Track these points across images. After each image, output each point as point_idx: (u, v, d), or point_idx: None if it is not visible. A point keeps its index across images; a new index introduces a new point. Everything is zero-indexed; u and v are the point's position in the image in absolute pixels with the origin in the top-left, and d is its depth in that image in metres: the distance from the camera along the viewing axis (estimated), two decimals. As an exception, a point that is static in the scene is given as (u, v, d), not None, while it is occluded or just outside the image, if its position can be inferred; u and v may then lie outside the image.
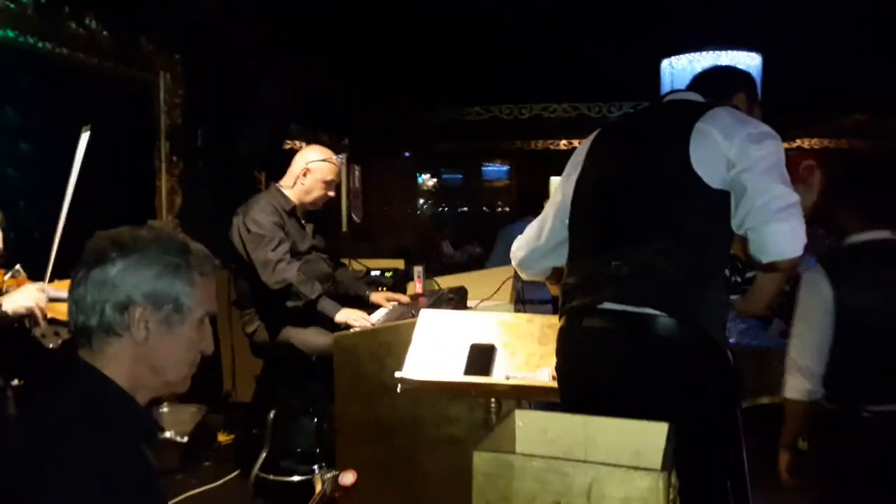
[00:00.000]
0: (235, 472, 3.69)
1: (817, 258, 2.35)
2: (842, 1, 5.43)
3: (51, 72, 3.48)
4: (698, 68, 5.50)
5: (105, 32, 3.73)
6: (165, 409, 4.11)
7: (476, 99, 8.86)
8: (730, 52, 5.53)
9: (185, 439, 3.83)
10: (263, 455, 3.21)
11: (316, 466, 1.95)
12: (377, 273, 4.01)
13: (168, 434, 3.89)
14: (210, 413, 4.22)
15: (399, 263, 4.25)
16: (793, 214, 1.67)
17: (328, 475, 1.69)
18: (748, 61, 5.49)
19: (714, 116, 1.77)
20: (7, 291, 2.49)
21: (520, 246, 2.16)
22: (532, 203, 6.06)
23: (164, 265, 1.17)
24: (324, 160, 3.29)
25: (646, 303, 1.69)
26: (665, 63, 5.74)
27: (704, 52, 5.49)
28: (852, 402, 2.19)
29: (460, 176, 14.25)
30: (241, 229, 3.12)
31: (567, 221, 1.97)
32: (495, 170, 14.04)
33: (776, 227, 1.66)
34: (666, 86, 5.78)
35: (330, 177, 3.30)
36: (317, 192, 3.28)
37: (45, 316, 2.14)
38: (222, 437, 4.21)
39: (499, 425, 1.03)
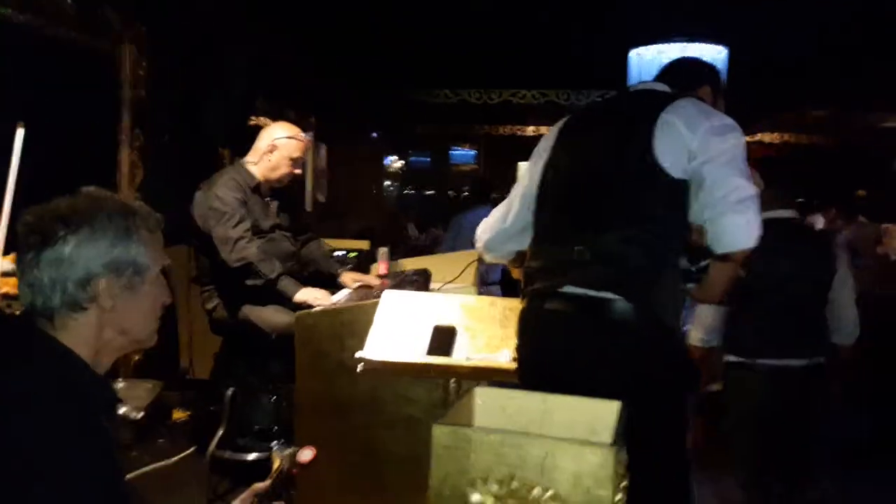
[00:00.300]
0: (191, 450, 3.66)
1: None
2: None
3: (12, 39, 3.38)
4: (664, 59, 5.56)
5: (69, 0, 3.63)
6: (121, 384, 4.05)
7: (445, 82, 8.84)
8: (697, 44, 5.62)
9: (141, 415, 3.78)
10: (220, 432, 3.19)
11: (274, 443, 1.93)
12: (341, 253, 4.00)
13: (123, 410, 3.84)
14: (166, 390, 4.17)
15: (364, 244, 4.25)
16: (749, 207, 1.71)
17: (286, 452, 1.70)
18: (714, 54, 5.58)
19: (679, 107, 1.81)
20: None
21: (484, 229, 2.19)
22: (487, 191, 6.12)
23: (115, 231, 1.17)
24: (290, 137, 3.26)
25: (605, 287, 1.73)
26: (633, 53, 5.81)
27: (671, 44, 5.57)
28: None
29: (428, 159, 14.26)
30: (203, 204, 3.09)
31: (533, 206, 1.99)
32: (463, 154, 14.07)
33: (732, 218, 1.71)
34: (633, 75, 5.85)
35: (296, 154, 3.28)
36: (283, 170, 3.26)
37: None
38: (178, 414, 4.17)
39: (459, 402, 1.05)
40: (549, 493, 0.83)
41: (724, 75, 5.58)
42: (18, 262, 1.19)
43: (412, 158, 14.04)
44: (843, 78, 7.35)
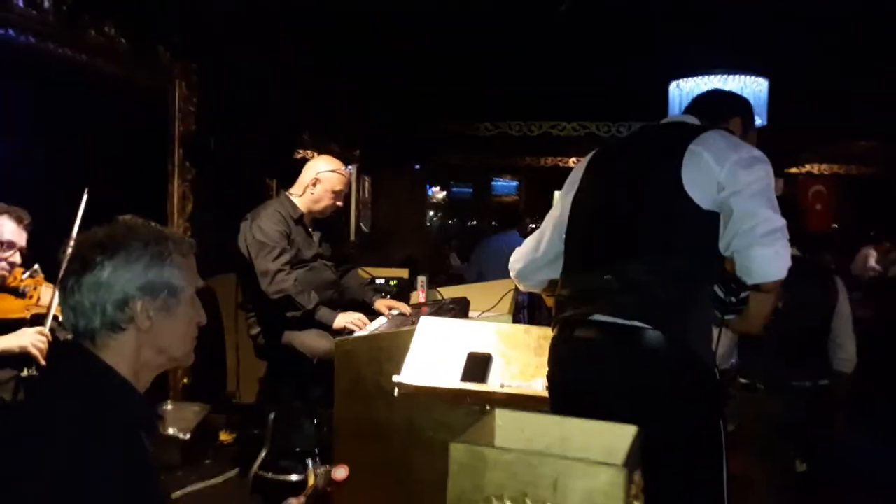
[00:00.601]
0: (235, 471, 3.77)
1: None
2: (843, 28, 5.50)
3: (70, 77, 3.58)
4: (704, 90, 5.62)
5: (123, 40, 3.84)
6: (169, 407, 4.20)
7: (486, 114, 8.95)
8: (737, 76, 5.62)
9: (188, 436, 3.90)
10: (263, 454, 3.28)
11: (310, 461, 1.99)
12: (381, 282, 4.08)
13: (171, 431, 3.97)
14: (213, 412, 4.29)
15: (404, 273, 4.33)
16: (777, 239, 1.73)
17: (321, 469, 1.77)
18: (754, 87, 5.58)
19: (707, 139, 1.85)
20: (25, 291, 2.59)
21: (518, 258, 2.24)
22: (516, 219, 6.27)
23: (149, 256, 1.26)
24: (333, 171, 3.37)
25: (634, 316, 1.77)
26: (673, 85, 5.82)
27: (711, 76, 5.57)
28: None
29: (470, 190, 14.38)
30: (247, 235, 3.21)
31: (564, 236, 2.04)
32: (504, 185, 14.15)
33: (760, 251, 1.73)
34: (674, 106, 5.86)
35: (339, 187, 3.38)
36: (325, 202, 3.36)
37: (45, 356, 2.24)
38: (224, 437, 4.28)
39: (479, 422, 1.10)
40: (561, 509, 0.88)
41: (764, 107, 5.61)
42: (61, 287, 1.28)
43: (455, 189, 14.19)
44: (886, 109, 7.23)
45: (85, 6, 3.56)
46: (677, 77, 5.73)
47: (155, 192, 4.35)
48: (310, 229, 3.41)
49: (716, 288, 1.86)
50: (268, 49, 5.28)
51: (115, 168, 3.80)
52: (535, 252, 2.17)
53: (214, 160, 4.77)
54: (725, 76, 5.57)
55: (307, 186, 3.35)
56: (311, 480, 1.75)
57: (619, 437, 1.00)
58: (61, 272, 1.34)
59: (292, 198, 3.38)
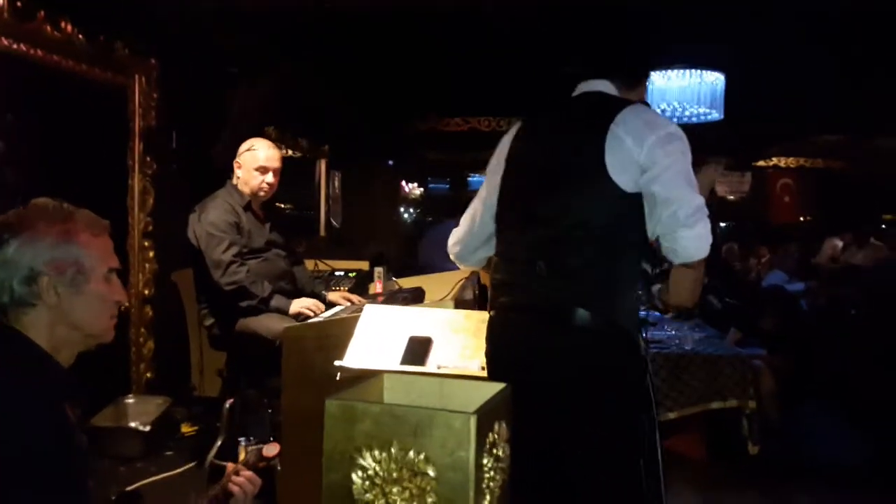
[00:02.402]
0: (195, 462, 3.81)
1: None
2: (808, 23, 5.62)
3: (26, 73, 3.61)
4: (665, 85, 5.72)
5: (81, 36, 3.87)
6: (131, 400, 4.24)
7: (457, 109, 9.01)
8: (696, 70, 5.74)
9: (148, 429, 3.95)
10: (219, 443, 3.33)
11: (243, 439, 2.05)
12: (341, 273, 4.14)
13: (133, 423, 4.01)
14: (175, 405, 4.34)
15: (364, 265, 4.38)
16: (698, 220, 1.82)
17: (252, 446, 1.83)
18: (712, 81, 5.70)
19: (626, 120, 1.87)
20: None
21: (454, 241, 2.29)
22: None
23: (55, 234, 1.31)
24: (248, 149, 3.38)
25: (564, 299, 1.85)
26: (633, 79, 5.91)
27: (670, 70, 5.68)
28: None
29: (447, 186, 14.43)
30: (196, 227, 3.24)
31: (494, 216, 2.09)
32: (480, 180, 14.16)
33: (683, 233, 1.81)
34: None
35: (258, 163, 3.33)
36: (253, 182, 3.34)
37: None
38: (185, 429, 4.33)
39: (366, 383, 1.18)
40: (422, 455, 0.95)
41: (720, 101, 5.73)
42: None
43: (431, 185, 14.22)
44: (850, 102, 7.37)
45: (40, 2, 3.60)
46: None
47: (115, 187, 4.38)
48: (260, 215, 3.43)
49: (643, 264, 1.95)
50: (232, 43, 5.31)
51: (74, 163, 3.83)
52: (469, 234, 2.22)
53: (176, 155, 4.80)
54: (683, 71, 5.68)
55: (235, 172, 3.39)
56: (241, 455, 1.80)
57: (488, 392, 1.08)
58: None
59: (238, 185, 3.40)
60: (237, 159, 3.39)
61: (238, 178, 3.38)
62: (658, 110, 6.00)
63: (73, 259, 1.32)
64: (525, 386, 1.55)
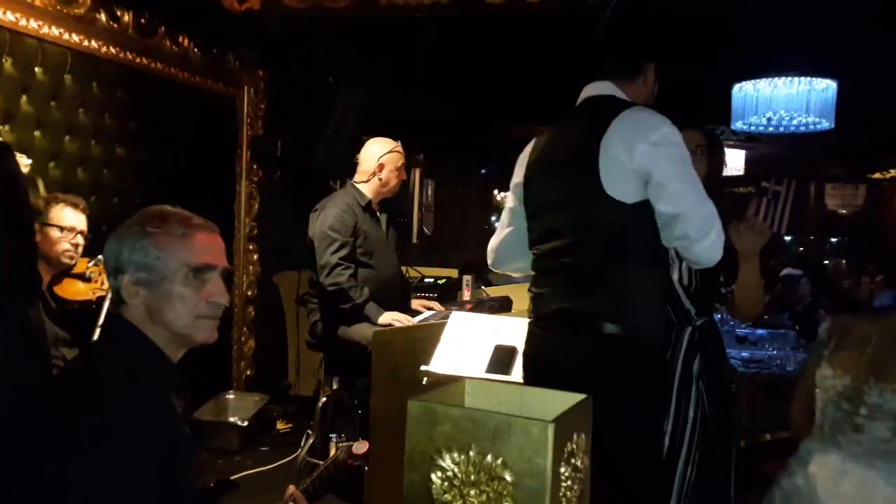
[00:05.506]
0: (289, 458, 3.97)
1: None
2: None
3: (147, 84, 3.89)
4: (769, 94, 5.51)
5: (196, 50, 4.12)
6: (231, 396, 4.46)
7: (550, 117, 8.94)
8: (805, 78, 5.50)
9: (246, 424, 4.14)
10: (310, 441, 3.46)
11: (334, 436, 2.12)
12: (431, 280, 4.22)
13: (231, 419, 4.22)
14: (271, 403, 4.53)
15: (453, 273, 4.45)
16: (709, 230, 1.82)
17: (343, 444, 1.90)
18: (822, 89, 5.45)
19: (616, 131, 1.84)
20: (90, 276, 2.85)
21: (490, 248, 2.33)
22: None
23: (134, 236, 1.38)
24: (391, 150, 3.49)
25: (582, 311, 1.89)
26: (737, 87, 5.74)
27: (777, 78, 5.47)
28: None
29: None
30: (314, 227, 3.37)
31: (523, 226, 2.13)
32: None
33: (697, 246, 1.83)
34: (737, 111, 5.78)
35: (401, 162, 3.51)
36: (394, 181, 3.50)
37: None
38: (281, 426, 4.51)
39: (448, 387, 1.21)
40: (500, 460, 0.98)
41: (832, 110, 5.47)
42: None
43: (525, 194, 14.17)
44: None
45: (161, 19, 3.86)
46: (741, 79, 5.65)
47: (224, 192, 4.64)
48: (377, 213, 3.54)
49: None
50: (334, 55, 5.50)
51: (188, 169, 4.08)
52: (501, 243, 2.26)
53: (280, 163, 5.02)
54: (791, 78, 5.46)
55: (373, 174, 3.46)
56: (332, 451, 1.88)
57: (568, 402, 1.10)
58: None
59: (358, 186, 3.51)
60: (379, 160, 3.46)
61: (379, 179, 3.46)
62: (764, 119, 5.80)
63: (143, 261, 1.37)
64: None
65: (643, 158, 1.81)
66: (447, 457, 1.00)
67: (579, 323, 1.89)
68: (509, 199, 2.22)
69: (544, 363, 1.95)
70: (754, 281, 2.20)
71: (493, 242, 2.30)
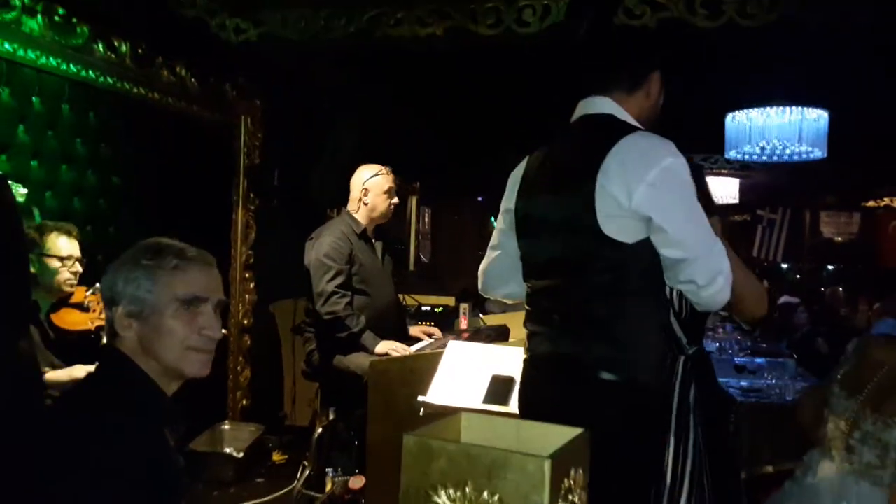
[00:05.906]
0: (285, 490, 3.92)
1: None
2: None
3: (144, 114, 3.90)
4: (761, 123, 5.55)
5: (193, 80, 4.15)
6: (227, 427, 4.41)
7: (544, 145, 8.99)
8: (796, 108, 5.54)
9: (241, 455, 4.09)
10: (307, 473, 3.42)
11: (330, 470, 2.09)
12: (427, 308, 4.21)
13: (227, 449, 4.17)
14: (267, 433, 4.48)
15: (450, 301, 4.45)
16: (715, 278, 1.69)
17: (340, 479, 1.89)
18: (814, 119, 5.49)
19: (614, 166, 1.70)
20: (88, 306, 2.83)
21: (479, 272, 2.19)
22: None
23: (127, 268, 1.38)
24: (376, 174, 3.51)
25: (577, 353, 1.77)
26: (729, 117, 5.79)
27: (768, 108, 5.52)
28: None
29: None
30: (310, 255, 3.38)
31: (511, 250, 2.00)
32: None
33: (705, 292, 1.71)
34: (730, 140, 5.83)
35: (388, 185, 3.51)
36: (382, 206, 3.50)
37: None
38: (277, 457, 4.45)
39: (443, 421, 1.20)
40: (496, 497, 0.96)
41: (824, 140, 5.51)
42: None
43: (521, 221, 14.20)
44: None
45: (158, 49, 3.89)
46: (733, 109, 5.70)
47: (220, 220, 4.63)
48: (372, 241, 3.53)
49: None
50: (330, 84, 5.54)
51: (185, 198, 4.08)
52: (488, 267, 2.12)
53: (277, 191, 5.03)
54: (784, 108, 5.51)
55: (359, 200, 3.49)
56: (328, 486, 1.86)
57: (566, 436, 1.09)
58: None
59: (353, 213, 3.52)
60: (364, 185, 3.47)
61: (364, 204, 3.48)
62: (757, 148, 5.84)
63: (135, 294, 1.37)
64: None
65: (642, 201, 1.67)
66: (443, 493, 0.99)
67: (574, 370, 1.78)
68: (499, 221, 2.08)
69: (537, 406, 1.84)
70: (740, 272, 1.90)
71: (483, 265, 2.16)
